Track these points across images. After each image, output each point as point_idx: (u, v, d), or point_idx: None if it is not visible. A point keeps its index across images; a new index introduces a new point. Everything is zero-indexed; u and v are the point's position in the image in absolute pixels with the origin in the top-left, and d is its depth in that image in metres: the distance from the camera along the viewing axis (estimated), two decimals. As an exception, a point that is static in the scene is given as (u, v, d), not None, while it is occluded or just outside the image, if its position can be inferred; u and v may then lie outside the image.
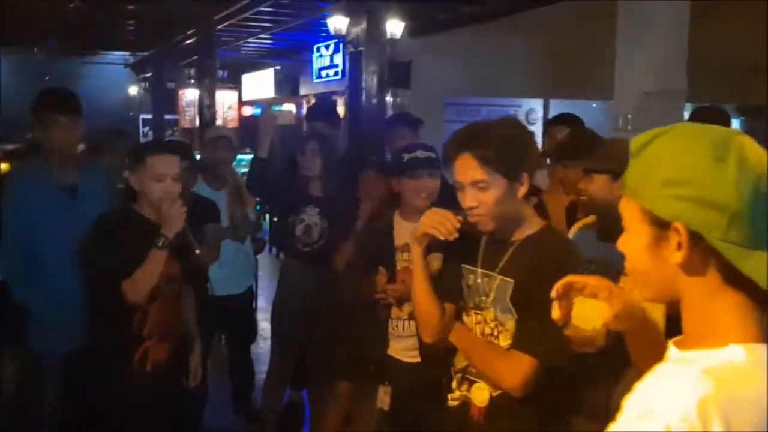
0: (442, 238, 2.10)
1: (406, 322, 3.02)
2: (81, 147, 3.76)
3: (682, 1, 6.07)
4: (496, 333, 2.13)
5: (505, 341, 2.10)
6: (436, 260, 2.83)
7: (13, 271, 3.19)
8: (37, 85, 3.57)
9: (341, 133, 12.22)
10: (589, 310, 1.45)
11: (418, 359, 2.99)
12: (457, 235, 2.09)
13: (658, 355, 1.13)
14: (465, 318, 2.22)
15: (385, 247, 3.11)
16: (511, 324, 2.09)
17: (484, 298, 2.15)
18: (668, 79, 6.03)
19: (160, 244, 2.76)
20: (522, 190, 2.08)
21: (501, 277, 2.11)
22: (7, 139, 8.50)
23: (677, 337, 1.13)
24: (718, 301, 1.06)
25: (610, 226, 2.54)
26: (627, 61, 6.26)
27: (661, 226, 1.06)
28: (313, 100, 13.11)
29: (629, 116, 5.74)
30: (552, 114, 11.91)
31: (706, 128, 1.09)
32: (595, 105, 9.83)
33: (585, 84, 8.69)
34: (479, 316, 2.17)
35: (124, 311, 2.81)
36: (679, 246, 1.05)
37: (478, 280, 2.17)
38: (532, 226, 2.15)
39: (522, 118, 13.14)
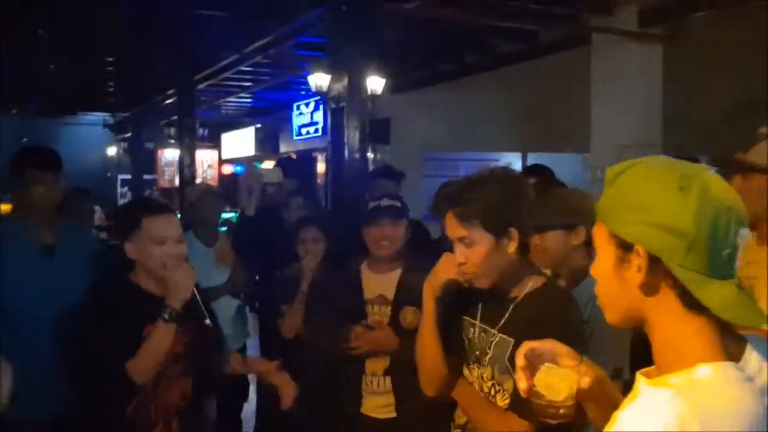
0: (465, 284, 2.08)
1: (382, 379, 2.94)
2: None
3: (654, 54, 6.26)
4: (493, 393, 2.06)
5: (502, 401, 2.03)
6: (411, 314, 2.80)
7: None
8: (15, 147, 3.50)
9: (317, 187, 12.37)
10: (556, 379, 1.36)
11: (393, 414, 2.91)
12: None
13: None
14: (466, 371, 2.16)
15: (354, 301, 3.02)
16: (509, 384, 1.99)
17: (483, 354, 2.10)
18: (643, 132, 6.18)
19: (167, 316, 2.38)
20: (511, 245, 2.01)
21: (500, 335, 2.04)
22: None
23: (645, 369, 1.15)
24: (680, 325, 1.09)
25: (569, 278, 2.50)
26: (601, 115, 6.43)
27: (625, 248, 1.11)
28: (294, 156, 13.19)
29: (606, 168, 5.86)
30: (530, 167, 12.07)
31: (675, 162, 1.14)
32: (572, 157, 9.95)
33: (562, 137, 8.83)
34: (479, 371, 2.11)
35: (119, 393, 2.45)
36: (639, 269, 1.09)
37: (477, 335, 2.12)
38: (533, 281, 2.07)
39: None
